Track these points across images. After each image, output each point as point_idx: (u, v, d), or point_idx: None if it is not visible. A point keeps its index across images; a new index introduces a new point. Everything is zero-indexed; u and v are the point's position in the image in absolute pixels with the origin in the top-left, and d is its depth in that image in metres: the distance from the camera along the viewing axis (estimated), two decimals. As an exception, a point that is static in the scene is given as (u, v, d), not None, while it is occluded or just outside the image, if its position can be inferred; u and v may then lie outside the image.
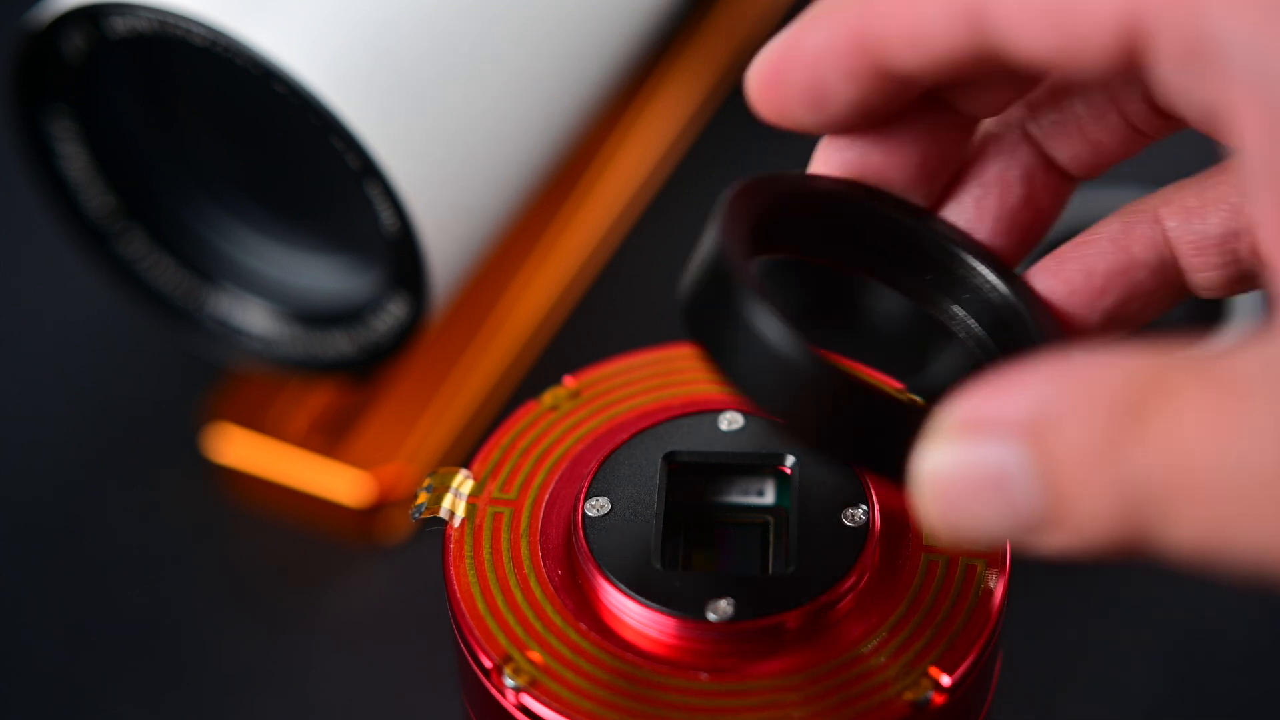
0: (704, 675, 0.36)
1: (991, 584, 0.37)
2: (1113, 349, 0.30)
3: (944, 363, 0.59)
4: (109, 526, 0.61)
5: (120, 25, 0.53)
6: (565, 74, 0.59)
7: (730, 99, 0.71)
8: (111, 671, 0.57)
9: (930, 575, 0.38)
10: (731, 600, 0.37)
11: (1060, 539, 0.31)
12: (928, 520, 0.32)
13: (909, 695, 0.36)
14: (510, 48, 0.57)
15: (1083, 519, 0.30)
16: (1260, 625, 0.56)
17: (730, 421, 0.40)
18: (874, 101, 0.36)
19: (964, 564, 0.38)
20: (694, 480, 0.40)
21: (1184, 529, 0.29)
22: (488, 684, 0.37)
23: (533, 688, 0.36)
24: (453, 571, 0.38)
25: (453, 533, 0.39)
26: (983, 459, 0.31)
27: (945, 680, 0.36)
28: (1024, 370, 0.31)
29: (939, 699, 0.36)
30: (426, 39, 0.55)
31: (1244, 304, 0.59)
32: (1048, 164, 0.39)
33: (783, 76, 0.37)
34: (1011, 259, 0.39)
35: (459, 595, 0.38)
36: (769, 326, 0.34)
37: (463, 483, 0.39)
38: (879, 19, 0.35)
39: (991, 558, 0.38)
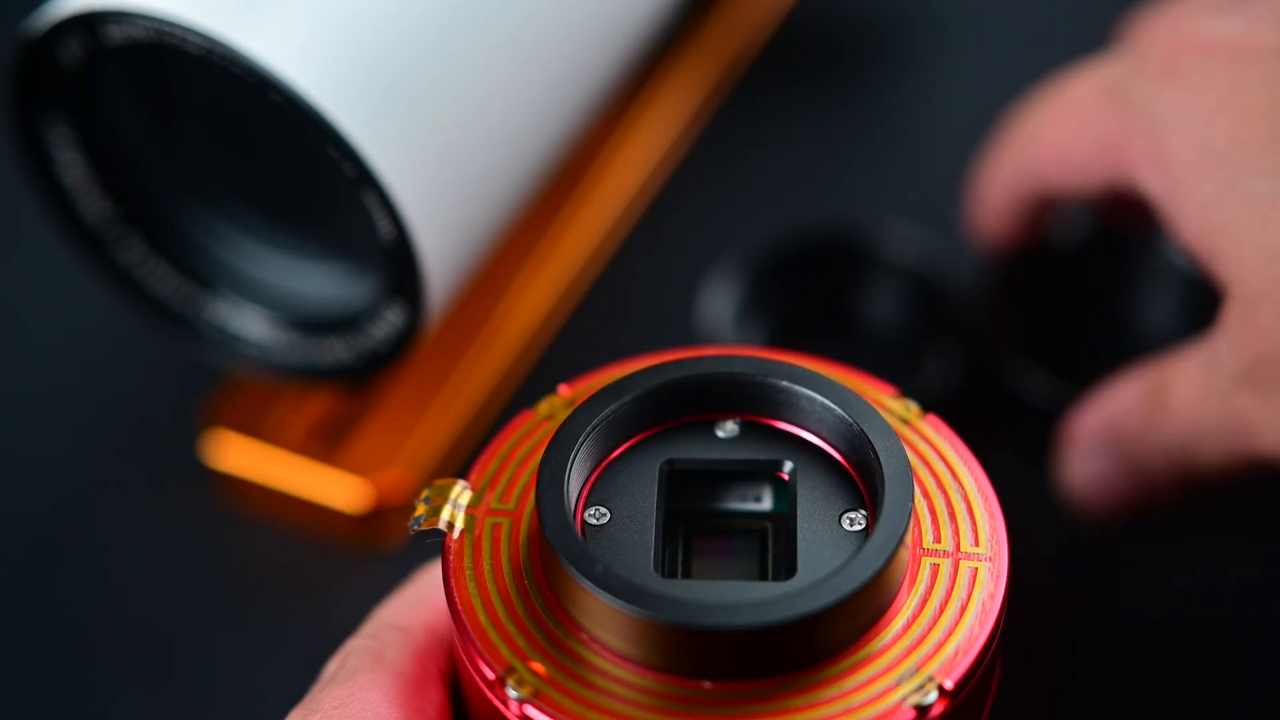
0: (707, 684, 0.36)
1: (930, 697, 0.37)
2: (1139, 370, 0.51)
3: (934, 369, 0.59)
4: (107, 532, 0.61)
5: (117, 33, 0.53)
6: (562, 81, 0.59)
7: (726, 106, 0.71)
8: (110, 676, 0.57)
9: (932, 579, 0.38)
10: None
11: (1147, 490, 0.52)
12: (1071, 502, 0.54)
13: (912, 699, 0.36)
14: (507, 56, 0.57)
15: (1158, 467, 0.50)
16: (1260, 630, 0.56)
17: (726, 429, 0.40)
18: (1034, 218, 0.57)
19: (965, 568, 0.38)
20: (692, 488, 0.40)
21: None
22: (490, 695, 0.37)
23: (536, 699, 0.36)
24: (453, 583, 0.38)
25: (452, 544, 0.39)
26: (1086, 458, 0.53)
27: (947, 684, 0.37)
28: (1097, 397, 0.53)
29: (941, 703, 0.36)
30: (423, 47, 0.55)
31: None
32: None
33: (975, 217, 0.58)
34: None
35: (460, 607, 0.38)
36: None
37: (461, 494, 0.39)
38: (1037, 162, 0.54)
39: (993, 561, 0.38)
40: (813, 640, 0.37)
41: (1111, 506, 0.52)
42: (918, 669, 0.37)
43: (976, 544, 0.39)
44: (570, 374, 0.43)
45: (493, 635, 0.37)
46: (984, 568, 0.38)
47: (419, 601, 0.42)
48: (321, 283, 0.59)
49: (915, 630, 0.37)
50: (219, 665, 0.58)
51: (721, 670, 0.36)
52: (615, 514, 0.39)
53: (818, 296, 0.63)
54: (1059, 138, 0.53)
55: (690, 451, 0.40)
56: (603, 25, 0.61)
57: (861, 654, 0.37)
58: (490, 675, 0.37)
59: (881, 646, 0.37)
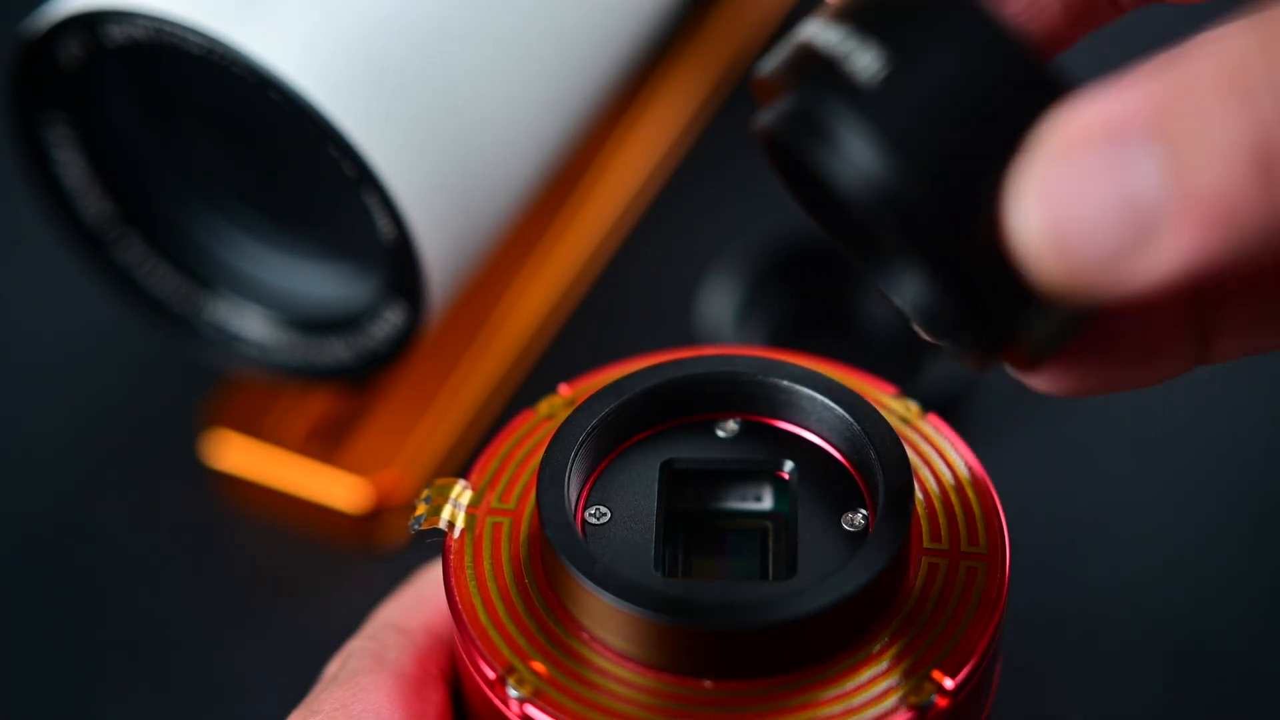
0: (708, 683, 0.36)
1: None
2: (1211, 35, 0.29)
3: (937, 370, 0.59)
4: (107, 532, 0.61)
5: (117, 33, 0.53)
6: (562, 81, 0.59)
7: (726, 106, 0.71)
8: (109, 677, 0.57)
9: (931, 578, 0.38)
10: None
11: (1189, 231, 0.29)
12: (1035, 254, 0.30)
13: (912, 699, 0.36)
14: (507, 56, 0.57)
15: (1214, 194, 0.28)
16: (1260, 630, 0.56)
17: (727, 429, 0.40)
18: None
19: (964, 567, 0.38)
20: (693, 487, 0.40)
21: None
22: (491, 695, 0.37)
23: (536, 698, 0.36)
24: (454, 583, 0.38)
25: (453, 544, 0.39)
26: (1095, 173, 0.29)
27: (948, 683, 0.37)
28: (1134, 72, 0.29)
29: (942, 702, 0.36)
30: (424, 47, 0.55)
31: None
32: None
33: None
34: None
35: (460, 606, 0.38)
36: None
37: (461, 493, 0.39)
38: None
39: (992, 561, 0.38)
40: (813, 640, 0.37)
41: (1091, 278, 0.30)
42: (918, 669, 0.37)
43: (976, 544, 0.39)
44: (570, 374, 0.43)
45: (493, 635, 0.37)
46: (984, 568, 0.38)
47: (419, 602, 0.42)
48: (321, 283, 0.59)
49: (914, 629, 0.37)
50: (219, 665, 0.58)
51: (722, 670, 0.36)
52: (615, 513, 0.39)
53: (818, 296, 0.63)
54: None
55: (690, 451, 0.40)
56: (603, 25, 0.61)
57: (861, 654, 0.37)
58: (491, 675, 0.37)
59: (881, 646, 0.37)
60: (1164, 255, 0.29)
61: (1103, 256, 0.29)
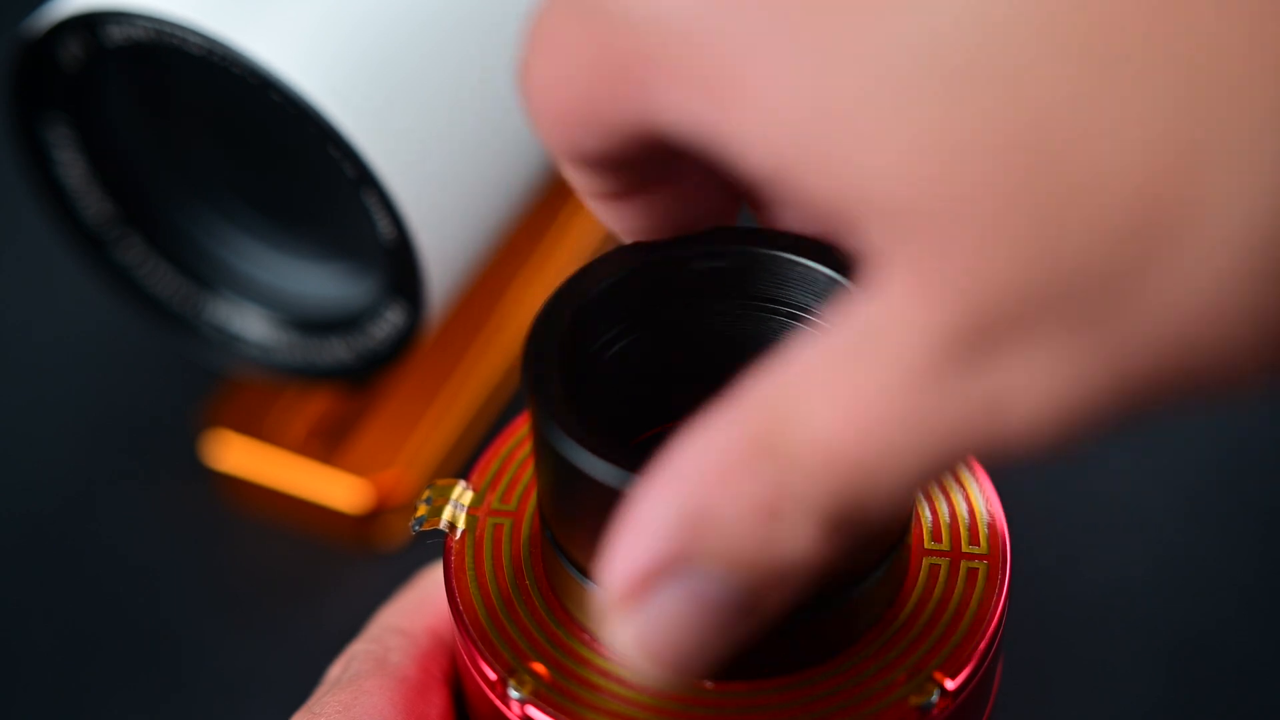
0: (708, 684, 0.36)
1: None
2: (713, 413, 0.29)
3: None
4: (107, 532, 0.61)
5: (117, 34, 0.53)
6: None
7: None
8: (109, 678, 0.57)
9: (932, 579, 0.38)
10: None
11: (782, 590, 0.30)
12: (649, 674, 0.31)
13: (914, 700, 0.36)
14: (507, 57, 0.57)
15: (798, 553, 0.29)
16: (1260, 630, 0.56)
17: None
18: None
19: (965, 568, 0.38)
20: None
21: (889, 496, 0.28)
22: (492, 696, 0.37)
23: (537, 699, 0.36)
24: (454, 584, 0.38)
25: (453, 544, 0.39)
26: (666, 609, 0.29)
27: (950, 684, 0.36)
28: (643, 498, 0.29)
29: (943, 703, 0.36)
30: (424, 48, 0.55)
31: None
32: None
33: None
34: None
35: (461, 607, 0.38)
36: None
37: (462, 494, 0.39)
38: None
39: (993, 561, 0.38)
40: (813, 641, 0.37)
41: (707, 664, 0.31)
42: (918, 669, 0.37)
43: (977, 544, 0.39)
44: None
45: (494, 636, 0.37)
46: (985, 568, 0.38)
47: (421, 604, 0.42)
48: (321, 283, 0.59)
49: (915, 630, 0.37)
50: (218, 665, 0.58)
51: (723, 670, 0.36)
52: None
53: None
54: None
55: None
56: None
57: (862, 654, 0.37)
58: (492, 676, 0.37)
59: (881, 646, 0.37)
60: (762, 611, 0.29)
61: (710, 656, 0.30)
